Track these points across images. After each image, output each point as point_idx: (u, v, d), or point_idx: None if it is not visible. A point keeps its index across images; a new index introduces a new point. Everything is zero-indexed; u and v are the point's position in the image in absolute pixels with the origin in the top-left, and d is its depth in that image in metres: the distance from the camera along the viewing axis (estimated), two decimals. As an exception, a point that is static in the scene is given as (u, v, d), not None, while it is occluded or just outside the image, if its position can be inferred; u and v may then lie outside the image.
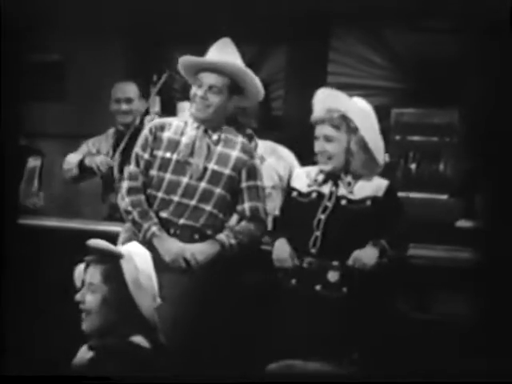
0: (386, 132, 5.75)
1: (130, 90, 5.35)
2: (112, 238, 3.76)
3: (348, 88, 6.14)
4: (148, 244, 3.92)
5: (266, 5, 6.08)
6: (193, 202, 4.05)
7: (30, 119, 5.75)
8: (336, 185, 3.98)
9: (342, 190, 3.95)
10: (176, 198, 4.06)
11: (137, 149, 4.21)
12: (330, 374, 2.89)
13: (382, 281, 3.96)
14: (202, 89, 4.06)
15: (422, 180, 5.55)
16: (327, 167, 3.98)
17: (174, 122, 4.22)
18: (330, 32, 6.48)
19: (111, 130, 5.42)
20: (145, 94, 5.38)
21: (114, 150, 5.20)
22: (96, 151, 5.32)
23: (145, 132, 4.24)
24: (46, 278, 4.43)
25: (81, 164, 5.16)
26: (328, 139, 3.94)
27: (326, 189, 3.98)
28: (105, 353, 3.13)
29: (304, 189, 4.00)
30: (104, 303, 3.16)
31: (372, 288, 3.91)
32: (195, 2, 6.20)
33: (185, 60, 4.12)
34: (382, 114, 5.94)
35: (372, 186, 3.96)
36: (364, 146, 3.95)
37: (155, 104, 5.46)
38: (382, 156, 4.03)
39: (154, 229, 4.03)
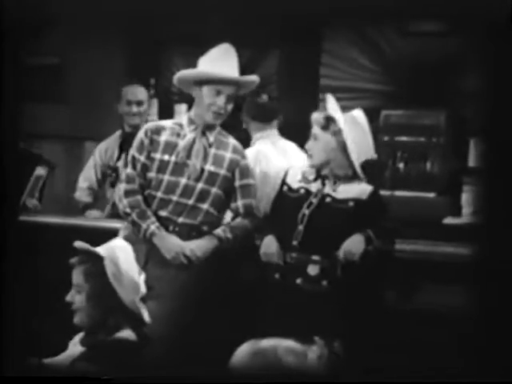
0: (375, 133, 5.89)
1: (141, 92, 5.47)
2: (114, 234, 3.89)
3: (339, 90, 6.24)
4: (148, 242, 4.09)
5: (259, 9, 6.20)
6: (190, 202, 4.14)
7: (29, 121, 5.91)
8: (323, 184, 4.06)
9: (328, 189, 4.04)
10: (175, 198, 4.15)
11: (133, 152, 4.26)
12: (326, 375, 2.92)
13: (365, 274, 4.04)
14: (221, 98, 4.13)
15: (409, 179, 5.62)
16: (309, 162, 4.09)
17: (168, 125, 4.27)
18: (321, 36, 6.53)
19: (117, 133, 5.52)
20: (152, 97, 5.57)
21: (121, 151, 5.32)
22: (101, 162, 5.44)
23: (140, 135, 4.28)
24: (48, 275, 4.48)
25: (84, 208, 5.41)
26: (315, 138, 4.04)
27: (315, 187, 4.07)
28: (95, 349, 3.25)
29: (294, 184, 4.09)
30: (89, 300, 3.28)
31: (354, 281, 3.98)
32: (192, 7, 6.28)
33: (209, 73, 4.15)
34: (371, 115, 6.10)
35: (356, 190, 4.04)
36: (343, 148, 4.02)
37: (153, 107, 5.70)
38: (357, 162, 4.06)
39: (153, 227, 4.12)
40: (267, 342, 2.41)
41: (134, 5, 6.24)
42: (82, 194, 5.46)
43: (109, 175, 5.40)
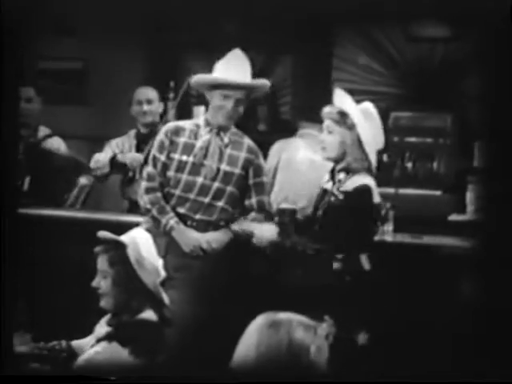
0: (384, 134, 6.09)
1: (151, 92, 5.54)
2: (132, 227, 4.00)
3: (350, 93, 6.48)
4: (167, 235, 4.27)
5: (274, 16, 6.31)
6: (207, 200, 4.30)
7: (54, 122, 6.04)
8: (333, 182, 4.14)
9: (334, 187, 4.10)
10: (192, 196, 4.30)
11: (154, 151, 4.40)
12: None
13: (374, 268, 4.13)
14: (230, 101, 4.24)
15: (417, 177, 5.71)
16: (323, 155, 4.15)
17: (186, 126, 4.39)
18: (333, 41, 6.64)
19: (132, 132, 5.58)
20: (162, 98, 5.60)
21: (137, 151, 5.41)
22: (119, 152, 5.48)
23: (161, 136, 4.39)
24: (71, 267, 4.65)
25: (112, 161, 5.34)
26: (329, 131, 4.07)
27: (329, 185, 4.15)
28: (120, 329, 3.46)
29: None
30: (114, 285, 3.49)
31: (376, 275, 4.04)
32: (210, 14, 6.41)
33: (217, 79, 4.25)
34: (381, 117, 6.27)
35: (352, 183, 4.07)
36: (358, 142, 4.06)
37: (172, 108, 5.72)
38: (373, 156, 4.10)
39: (172, 222, 4.28)
40: (283, 315, 2.57)
41: (154, 12, 6.43)
42: (102, 165, 5.41)
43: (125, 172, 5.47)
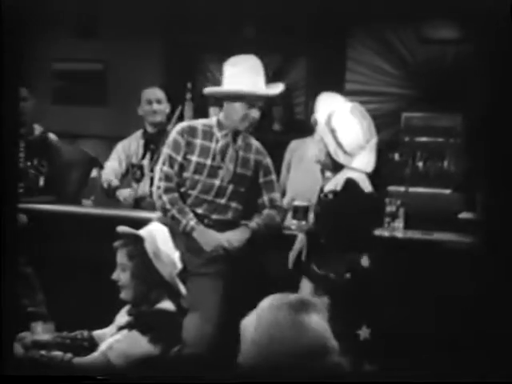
0: (396, 134, 6.04)
1: (159, 92, 5.61)
2: (141, 222, 4.05)
3: (363, 94, 6.54)
4: (187, 235, 4.34)
5: (289, 19, 6.43)
6: (223, 201, 4.40)
7: (74, 122, 6.28)
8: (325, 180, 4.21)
9: (324, 187, 4.14)
10: (210, 198, 4.40)
11: (169, 151, 4.42)
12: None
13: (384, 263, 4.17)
14: (255, 111, 4.31)
15: (428, 176, 5.75)
16: (316, 159, 4.17)
17: (199, 127, 4.43)
18: (347, 43, 6.72)
19: (139, 132, 5.64)
20: (171, 98, 5.65)
21: (145, 150, 5.49)
22: (125, 157, 5.57)
23: (175, 136, 4.42)
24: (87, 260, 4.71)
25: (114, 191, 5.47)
26: (317, 135, 4.14)
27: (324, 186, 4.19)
28: (140, 318, 3.59)
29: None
30: (133, 277, 3.62)
31: (377, 272, 4.09)
32: (227, 17, 6.52)
33: (248, 92, 4.28)
34: (393, 117, 6.32)
35: (336, 180, 4.10)
36: (338, 141, 4.07)
37: (190, 108, 5.80)
38: (353, 149, 4.08)
39: (192, 223, 4.36)
40: (293, 296, 2.70)
41: (172, 15, 6.55)
42: (109, 180, 5.50)
43: (134, 172, 5.51)
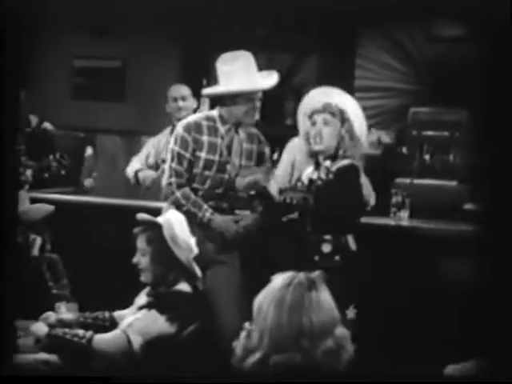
0: (404, 128, 6.18)
1: (184, 89, 5.78)
2: (154, 211, 4.30)
3: (372, 90, 6.73)
4: (204, 226, 4.46)
5: (301, 18, 6.59)
6: (232, 193, 4.56)
7: (94, 117, 6.44)
8: (319, 170, 4.29)
9: (321, 174, 4.26)
10: (220, 191, 4.54)
11: (177, 148, 4.48)
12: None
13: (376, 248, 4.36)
14: (257, 103, 4.45)
15: (434, 169, 5.82)
16: (320, 147, 4.26)
17: (203, 122, 4.50)
18: (356, 42, 6.83)
19: (168, 129, 5.77)
20: (195, 94, 5.79)
21: None
22: (155, 152, 5.72)
23: (182, 133, 4.49)
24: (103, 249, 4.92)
25: (136, 175, 5.72)
26: (326, 123, 4.24)
27: (315, 174, 4.30)
28: (158, 299, 3.79)
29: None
30: (152, 261, 3.82)
31: (366, 254, 4.22)
32: (240, 16, 6.64)
33: (246, 89, 4.41)
34: (401, 112, 6.46)
35: (335, 165, 4.25)
36: (352, 132, 4.26)
37: (205, 104, 5.94)
38: (365, 140, 4.32)
39: (208, 214, 4.49)
40: (302, 275, 2.88)
41: (188, 13, 6.68)
42: (133, 165, 5.72)
43: (163, 167, 5.55)
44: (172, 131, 5.61)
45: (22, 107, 5.57)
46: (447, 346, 3.82)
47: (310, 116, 4.33)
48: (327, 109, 4.28)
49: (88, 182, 5.82)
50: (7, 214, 3.46)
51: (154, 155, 5.78)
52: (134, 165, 5.76)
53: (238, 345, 2.86)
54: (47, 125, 5.88)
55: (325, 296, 2.82)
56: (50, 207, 4.39)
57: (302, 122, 4.42)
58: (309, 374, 2.74)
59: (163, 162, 5.56)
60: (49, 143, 5.77)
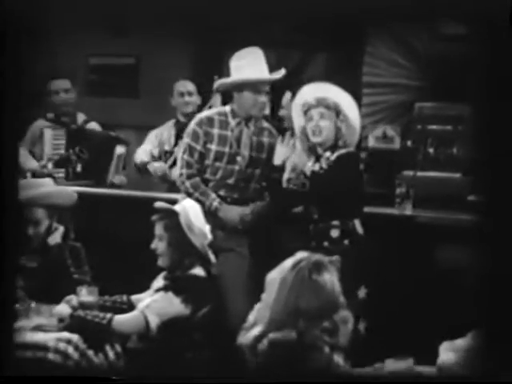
0: (409, 122, 6.26)
1: (189, 84, 5.97)
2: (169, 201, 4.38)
3: (379, 86, 6.82)
4: (212, 214, 4.62)
5: (311, 18, 6.66)
6: (242, 184, 4.75)
7: (109, 112, 6.55)
8: (319, 161, 4.47)
9: (322, 164, 4.43)
10: (230, 182, 4.73)
11: (188, 141, 4.71)
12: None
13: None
14: (263, 97, 4.65)
15: (438, 161, 5.87)
16: (319, 139, 4.44)
17: (215, 117, 4.72)
18: (364, 40, 6.93)
19: (171, 121, 5.97)
20: (200, 91, 5.99)
21: (177, 138, 5.80)
22: (158, 143, 5.89)
23: (194, 127, 4.71)
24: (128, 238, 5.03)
25: (145, 167, 5.87)
26: (322, 116, 4.41)
27: (316, 166, 4.49)
28: (174, 282, 3.98)
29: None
30: (169, 246, 4.01)
31: (374, 238, 4.39)
32: (251, 14, 6.76)
33: (255, 79, 4.62)
34: (406, 107, 6.56)
35: (335, 154, 4.41)
36: (347, 122, 4.45)
37: (217, 100, 5.95)
38: (358, 127, 4.49)
39: (216, 203, 4.68)
40: (311, 258, 3.06)
41: (200, 12, 6.79)
42: (142, 157, 5.86)
43: (166, 158, 5.84)
44: (175, 124, 5.92)
45: (70, 105, 5.84)
46: (446, 324, 3.93)
47: (306, 112, 4.49)
48: (321, 103, 4.45)
49: (117, 179, 5.90)
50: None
51: (157, 146, 5.94)
52: (141, 157, 5.90)
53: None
54: (94, 124, 6.00)
55: (328, 281, 3.00)
56: (75, 196, 4.55)
57: (297, 119, 4.58)
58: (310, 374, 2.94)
59: (166, 153, 5.85)
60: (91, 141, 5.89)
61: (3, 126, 3.66)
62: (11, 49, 3.70)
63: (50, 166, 5.62)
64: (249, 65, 4.65)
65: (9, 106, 3.70)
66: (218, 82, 4.80)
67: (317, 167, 4.47)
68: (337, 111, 4.45)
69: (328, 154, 4.46)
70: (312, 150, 4.54)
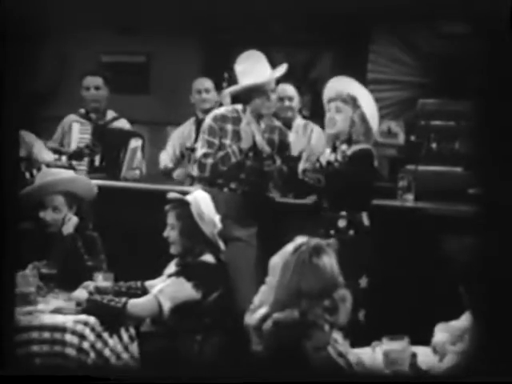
0: (413, 118, 6.37)
1: (208, 82, 6.11)
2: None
3: (383, 83, 6.97)
4: (225, 204, 4.75)
5: (318, 17, 6.82)
6: (252, 178, 4.92)
7: (120, 109, 6.61)
8: (336, 153, 4.62)
9: (338, 156, 4.60)
10: (242, 176, 4.91)
11: (206, 136, 4.89)
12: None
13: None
14: (273, 94, 4.84)
15: (441, 156, 5.94)
16: (332, 130, 4.58)
17: (228, 114, 4.91)
18: (369, 38, 7.08)
19: (192, 119, 6.09)
20: (217, 88, 6.10)
21: (197, 134, 5.83)
22: (179, 143, 6.02)
23: (210, 123, 4.90)
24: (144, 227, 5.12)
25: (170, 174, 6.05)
26: (338, 110, 4.55)
27: (332, 157, 4.64)
28: (186, 268, 4.14)
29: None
30: (181, 235, 4.18)
31: (379, 229, 4.52)
32: (258, 14, 6.89)
33: (261, 80, 4.79)
34: (410, 103, 6.69)
35: (351, 149, 4.56)
36: (363, 118, 4.55)
37: (227, 97, 5.91)
38: (376, 127, 4.60)
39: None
40: (311, 242, 3.23)
41: (207, 14, 6.93)
42: (166, 163, 6.04)
43: (188, 154, 6.00)
44: (195, 121, 6.05)
45: (100, 102, 5.95)
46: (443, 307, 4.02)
47: (328, 103, 4.63)
48: (339, 96, 4.59)
49: (129, 174, 5.98)
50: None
51: (178, 146, 6.09)
52: (166, 163, 6.07)
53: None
54: (123, 121, 6.13)
55: (327, 263, 3.17)
56: (96, 189, 4.67)
57: (327, 109, 4.68)
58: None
59: (187, 149, 6.00)
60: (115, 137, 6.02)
61: (3, 126, 3.71)
62: (16, 49, 3.77)
63: (63, 159, 5.73)
64: (251, 69, 4.82)
65: (9, 103, 3.74)
66: (226, 92, 5.04)
67: (332, 157, 4.61)
68: (354, 106, 4.56)
69: (344, 147, 4.59)
70: (330, 141, 4.68)
